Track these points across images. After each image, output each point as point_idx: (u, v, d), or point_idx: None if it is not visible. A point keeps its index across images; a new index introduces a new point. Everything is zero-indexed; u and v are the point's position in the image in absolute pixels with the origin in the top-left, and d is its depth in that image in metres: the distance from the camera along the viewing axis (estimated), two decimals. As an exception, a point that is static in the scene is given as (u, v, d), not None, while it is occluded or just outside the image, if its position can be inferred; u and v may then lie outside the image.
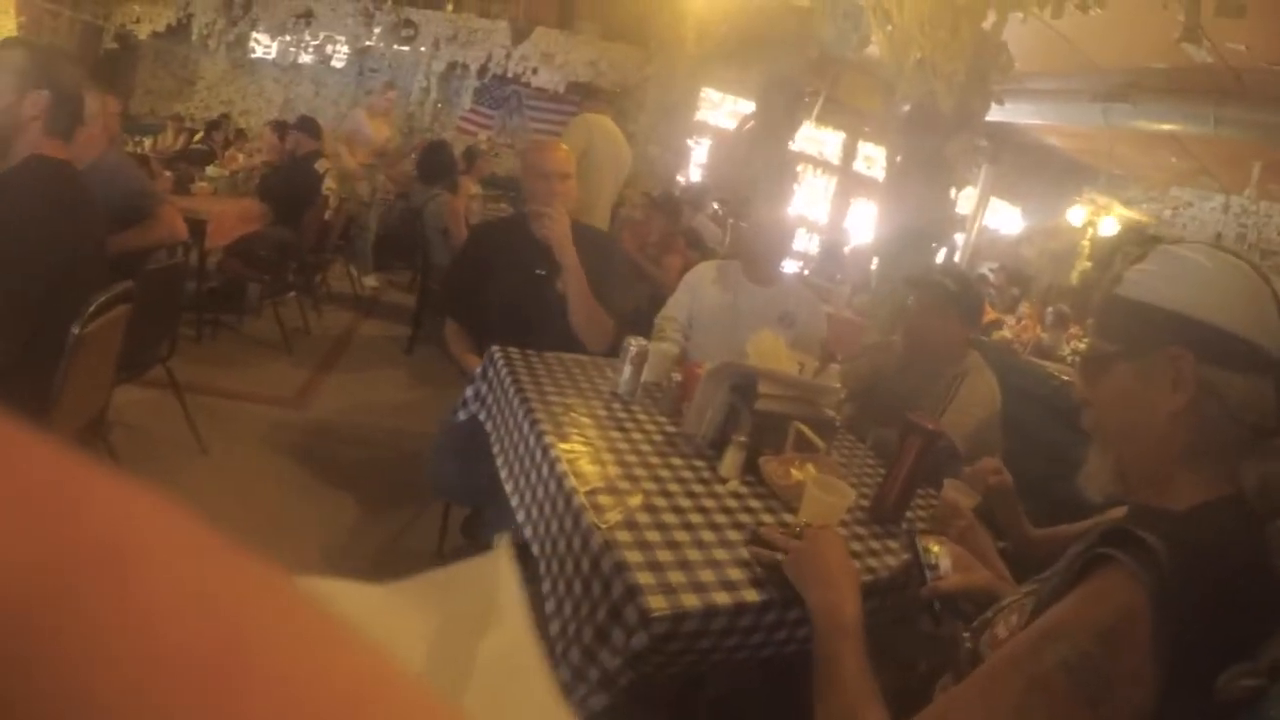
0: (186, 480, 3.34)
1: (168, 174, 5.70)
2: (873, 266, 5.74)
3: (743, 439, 2.05)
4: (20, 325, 2.06)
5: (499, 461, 2.27)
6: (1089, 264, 11.50)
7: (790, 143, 7.62)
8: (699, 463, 2.09)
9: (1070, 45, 6.83)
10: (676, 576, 1.51)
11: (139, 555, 0.22)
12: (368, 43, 10.22)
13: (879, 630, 1.46)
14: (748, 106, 8.40)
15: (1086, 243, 11.54)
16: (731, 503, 1.91)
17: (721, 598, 1.50)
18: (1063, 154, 11.51)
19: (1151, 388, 1.13)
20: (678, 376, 2.56)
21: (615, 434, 2.15)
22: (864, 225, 11.58)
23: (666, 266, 5.44)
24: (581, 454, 1.96)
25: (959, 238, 10.83)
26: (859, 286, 7.18)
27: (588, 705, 1.42)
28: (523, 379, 2.38)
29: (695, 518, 1.78)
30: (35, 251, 2.08)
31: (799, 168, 10.55)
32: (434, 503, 3.20)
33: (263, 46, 11.56)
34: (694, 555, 1.61)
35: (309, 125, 6.41)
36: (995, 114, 4.93)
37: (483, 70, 10.20)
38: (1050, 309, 9.03)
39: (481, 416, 2.55)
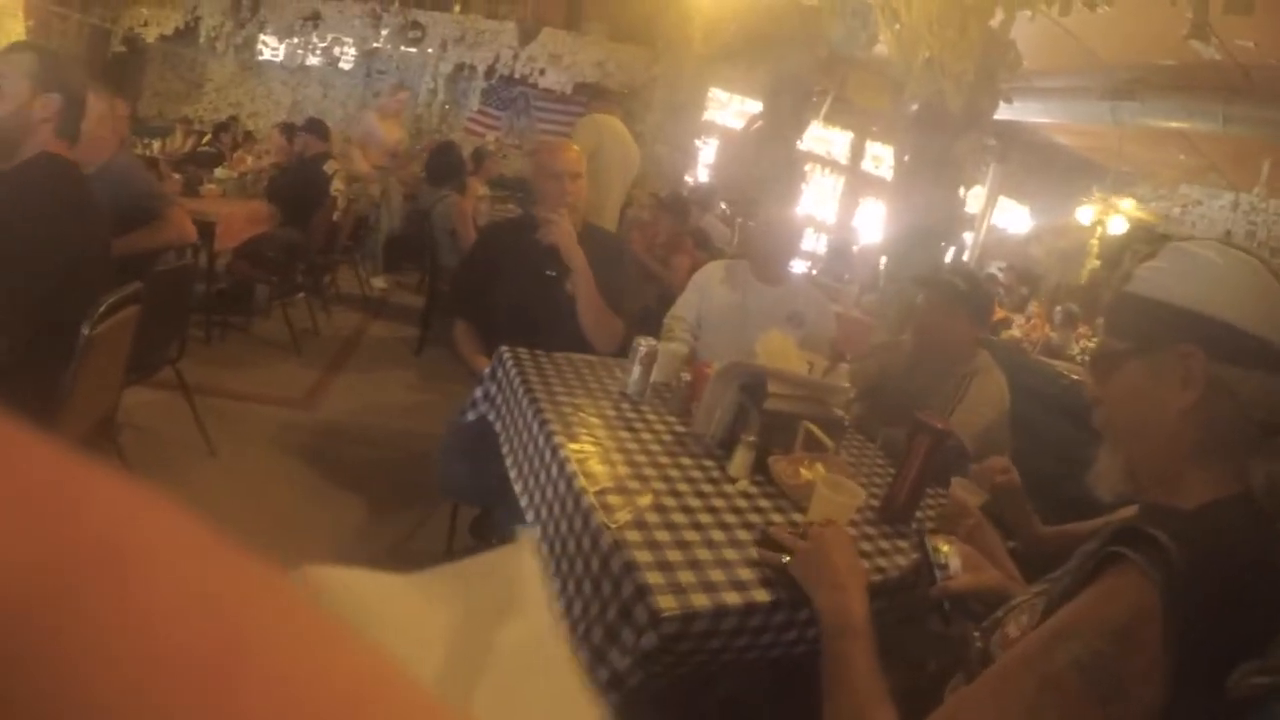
0: (196, 481, 3.35)
1: (176, 176, 5.72)
2: (881, 266, 5.73)
3: (752, 439, 2.04)
4: (24, 322, 2.07)
5: (508, 462, 2.27)
6: (1098, 263, 11.46)
7: (798, 142, 7.61)
8: (708, 462, 2.09)
9: (1078, 43, 6.82)
10: (686, 576, 1.51)
11: (139, 555, 0.22)
12: (375, 45, 10.26)
13: (888, 630, 1.46)
14: (755, 106, 8.38)
15: (1095, 241, 11.50)
16: (741, 502, 1.91)
17: (731, 598, 1.49)
18: (1071, 152, 11.48)
19: (1162, 385, 1.13)
20: (687, 376, 2.56)
21: (624, 434, 2.15)
22: (872, 225, 11.57)
23: (674, 267, 5.44)
24: (591, 454, 1.96)
25: (967, 237, 10.81)
26: (867, 286, 7.17)
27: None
28: (532, 379, 2.38)
29: (705, 517, 1.77)
30: (41, 248, 2.10)
31: (807, 167, 10.55)
32: (442, 503, 3.20)
33: (270, 49, 11.61)
34: (704, 555, 1.61)
35: (317, 127, 6.42)
36: (1003, 112, 4.93)
37: (490, 71, 10.22)
38: (1059, 308, 9.01)
39: (491, 417, 2.55)
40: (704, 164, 10.43)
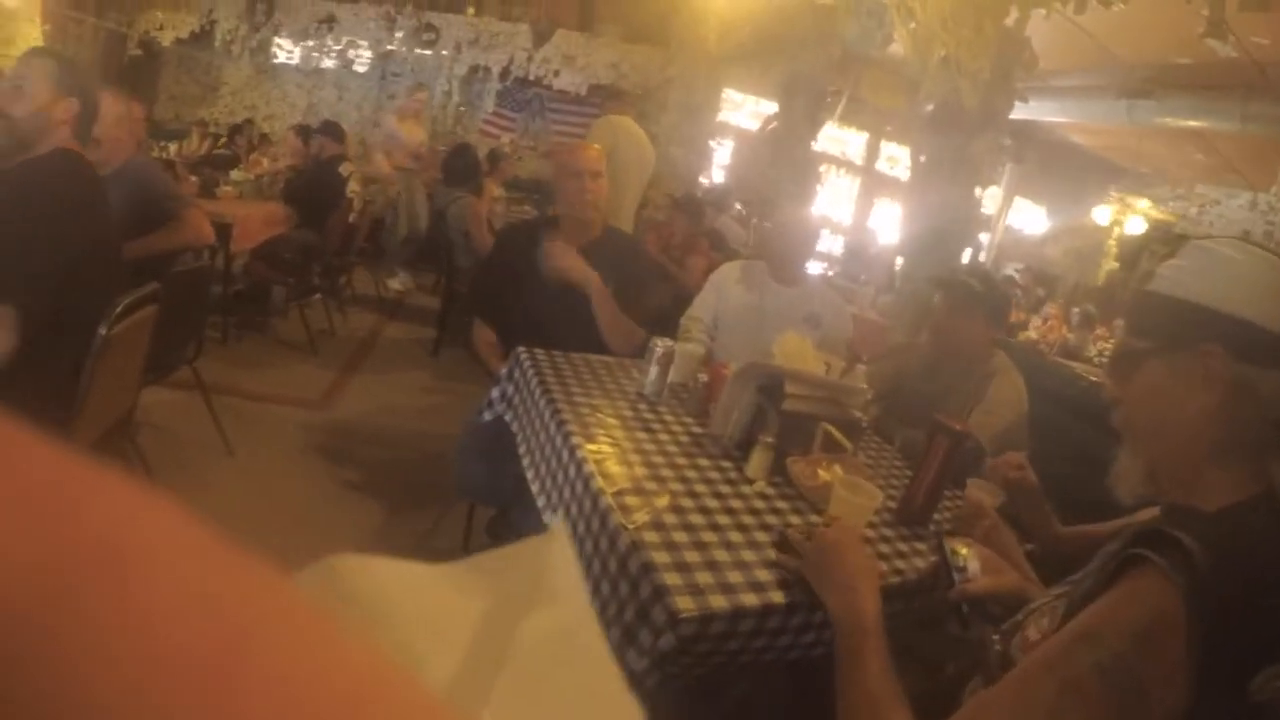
0: (213, 481, 3.37)
1: (193, 178, 5.75)
2: (897, 267, 5.72)
3: (769, 440, 2.04)
4: (30, 311, 2.09)
5: (525, 462, 2.28)
6: (1115, 264, 11.42)
7: (813, 143, 7.59)
8: (725, 464, 2.08)
9: (1094, 41, 6.80)
10: (704, 577, 1.50)
11: (139, 555, 0.22)
12: (390, 47, 10.28)
13: (906, 632, 1.45)
14: (770, 107, 8.37)
15: (1112, 242, 11.46)
16: (759, 504, 1.91)
17: (749, 599, 1.49)
18: (1087, 152, 11.42)
19: (1183, 384, 1.12)
20: (704, 377, 2.56)
21: (642, 435, 2.15)
22: (888, 226, 11.54)
23: (690, 268, 5.44)
24: (608, 455, 1.96)
25: (984, 238, 10.77)
26: (883, 287, 7.16)
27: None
28: (549, 380, 2.38)
29: (722, 519, 1.77)
30: (49, 236, 2.15)
31: (822, 168, 10.52)
32: (459, 503, 3.21)
33: (285, 52, 11.65)
34: (721, 556, 1.60)
35: (332, 129, 6.45)
36: (1019, 112, 4.90)
37: (504, 73, 10.24)
38: (1076, 309, 8.98)
39: (507, 417, 2.55)
40: (719, 165, 10.43)
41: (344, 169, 6.02)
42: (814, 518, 1.88)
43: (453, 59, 10.15)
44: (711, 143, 8.95)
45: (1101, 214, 11.11)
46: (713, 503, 1.84)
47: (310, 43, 10.54)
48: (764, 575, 1.57)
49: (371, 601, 0.36)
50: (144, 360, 2.77)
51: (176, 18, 10.28)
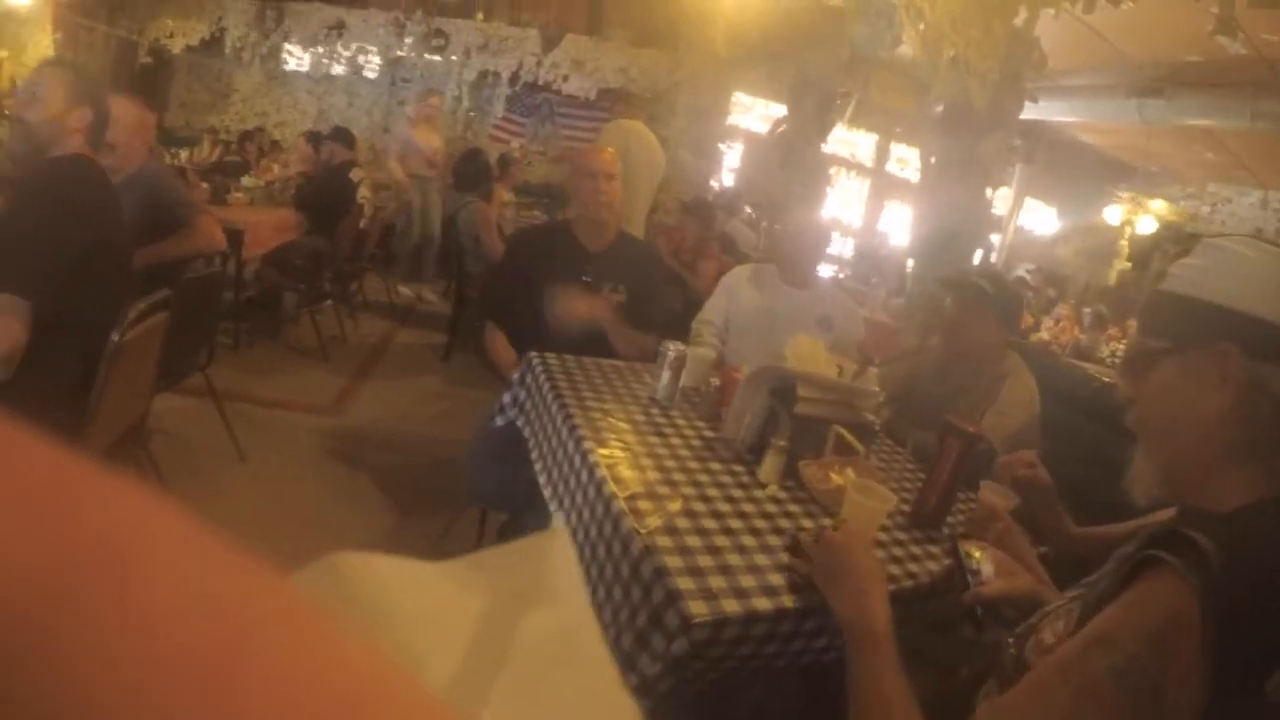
0: (225, 487, 3.39)
1: (204, 185, 5.77)
2: (908, 269, 5.70)
3: (782, 443, 2.04)
4: (39, 307, 2.11)
5: (537, 467, 2.28)
6: (1127, 264, 11.38)
7: (823, 145, 7.57)
8: (738, 467, 2.08)
9: (1103, 40, 6.77)
10: (717, 582, 1.50)
11: (139, 555, 0.22)
12: (399, 53, 10.29)
13: (919, 636, 1.44)
14: (779, 110, 8.36)
15: (1124, 242, 11.42)
16: (771, 508, 1.90)
17: (762, 603, 1.49)
18: (1097, 152, 11.38)
19: (1198, 384, 1.12)
20: (716, 381, 2.56)
21: (654, 439, 2.15)
22: (898, 227, 11.52)
23: (701, 272, 5.45)
24: (620, 459, 1.96)
25: (995, 239, 10.75)
26: (894, 290, 7.15)
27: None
28: (561, 385, 2.38)
29: (735, 523, 1.77)
30: (54, 243, 2.17)
31: (832, 170, 10.51)
32: (470, 508, 3.21)
33: (295, 59, 11.66)
34: (735, 560, 1.60)
35: (343, 135, 6.47)
36: (1029, 112, 4.89)
37: (514, 78, 10.24)
38: (1088, 310, 8.95)
39: (519, 422, 2.55)
40: (729, 168, 10.43)
41: (355, 175, 6.04)
42: (826, 521, 1.88)
43: (462, 64, 10.15)
44: (721, 146, 8.96)
45: (1112, 214, 11.07)
46: (725, 507, 1.84)
47: (320, 49, 10.56)
48: (777, 579, 1.57)
49: (372, 600, 0.36)
50: (156, 367, 2.79)
51: (187, 25, 10.34)
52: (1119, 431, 1.27)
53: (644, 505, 1.73)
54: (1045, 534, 2.01)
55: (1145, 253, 10.97)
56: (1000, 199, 10.08)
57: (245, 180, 6.43)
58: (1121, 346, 7.46)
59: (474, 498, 3.09)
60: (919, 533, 1.99)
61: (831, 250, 9.55)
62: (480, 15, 10.17)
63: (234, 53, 10.51)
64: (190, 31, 10.36)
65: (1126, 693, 0.95)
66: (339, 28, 10.12)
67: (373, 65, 11.39)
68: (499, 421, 2.64)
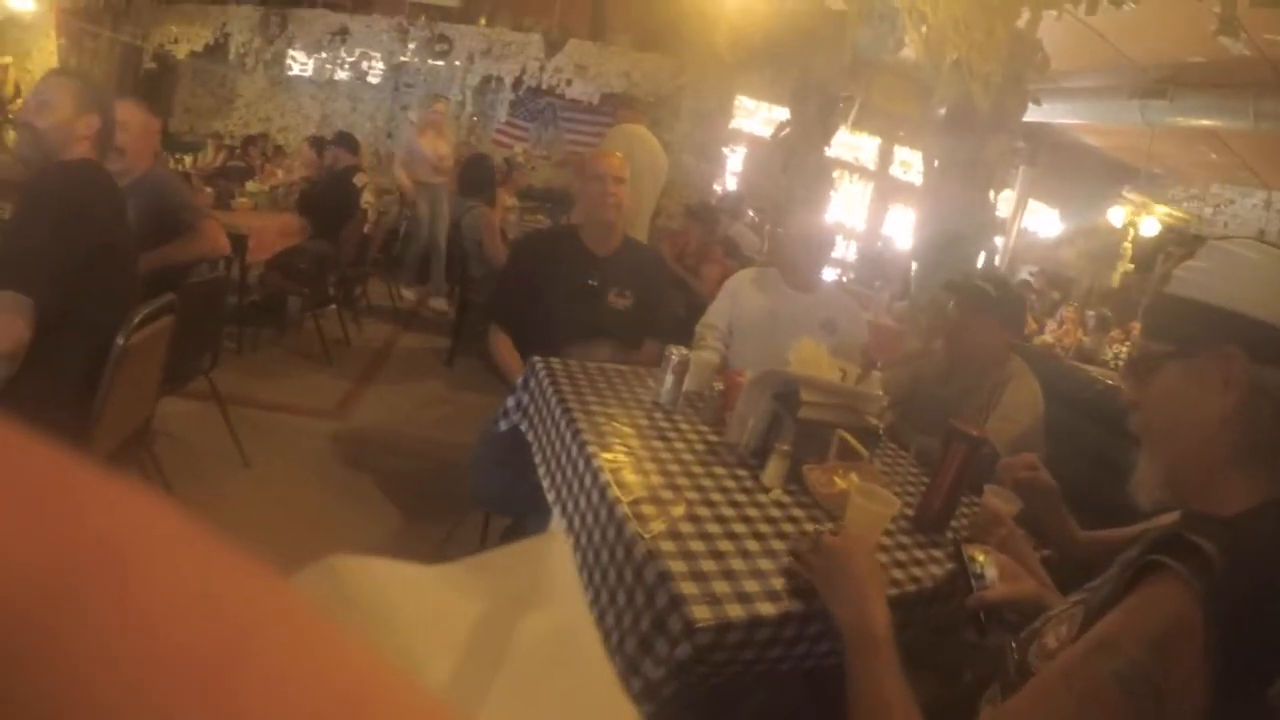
0: (229, 491, 3.39)
1: (208, 190, 5.78)
2: (911, 272, 5.70)
3: (786, 447, 2.03)
4: (43, 309, 2.12)
5: (541, 471, 2.28)
6: (1130, 266, 11.37)
7: (826, 149, 7.58)
8: (742, 472, 2.08)
9: (1105, 42, 6.78)
10: (721, 587, 1.50)
11: (139, 555, 0.22)
12: (403, 58, 10.31)
13: (923, 640, 1.44)
14: (782, 113, 8.36)
15: (1128, 244, 11.41)
16: (775, 512, 1.90)
17: (766, 608, 1.48)
18: (1101, 153, 11.38)
19: (1202, 388, 1.12)
20: (719, 385, 2.55)
21: (657, 443, 2.15)
22: (902, 230, 11.52)
23: (704, 276, 5.45)
24: (624, 464, 1.96)
25: (998, 241, 10.74)
26: (898, 293, 7.14)
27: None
28: (564, 389, 2.38)
29: (739, 527, 1.77)
30: (56, 244, 2.18)
31: (835, 174, 10.51)
32: (474, 513, 3.20)
33: (299, 64, 11.71)
34: (738, 565, 1.60)
35: (346, 140, 6.49)
36: (1032, 114, 4.90)
37: (517, 83, 10.24)
38: (1091, 313, 8.94)
39: (523, 426, 2.55)
40: (732, 172, 10.43)
41: (358, 180, 6.04)
42: (824, 526, 1.87)
43: (465, 69, 10.16)
44: (724, 150, 8.96)
45: (1116, 215, 11.06)
46: (729, 511, 1.83)
47: (324, 54, 10.58)
48: (780, 584, 1.57)
49: (371, 602, 0.36)
50: (161, 370, 2.79)
51: (191, 31, 10.38)
52: (1123, 434, 1.27)
53: (647, 510, 1.73)
54: (1050, 537, 2.00)
55: (1149, 255, 10.97)
56: (1003, 201, 10.08)
57: (249, 185, 6.46)
58: (1125, 349, 7.46)
59: (478, 502, 3.09)
60: (923, 536, 1.98)
61: (835, 254, 9.55)
62: (483, 20, 10.19)
63: (238, 58, 10.55)
64: (194, 37, 10.40)
65: (1129, 698, 0.95)
66: (342, 33, 10.14)
67: (376, 70, 11.43)
68: (503, 426, 2.64)
